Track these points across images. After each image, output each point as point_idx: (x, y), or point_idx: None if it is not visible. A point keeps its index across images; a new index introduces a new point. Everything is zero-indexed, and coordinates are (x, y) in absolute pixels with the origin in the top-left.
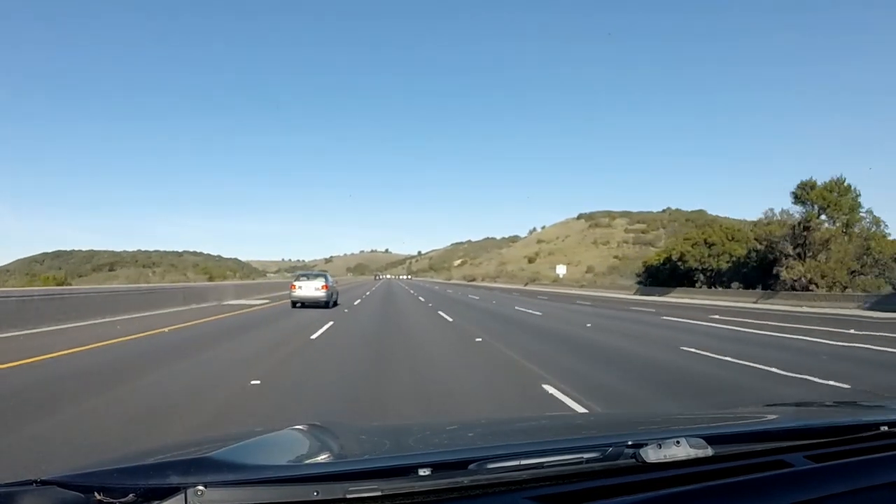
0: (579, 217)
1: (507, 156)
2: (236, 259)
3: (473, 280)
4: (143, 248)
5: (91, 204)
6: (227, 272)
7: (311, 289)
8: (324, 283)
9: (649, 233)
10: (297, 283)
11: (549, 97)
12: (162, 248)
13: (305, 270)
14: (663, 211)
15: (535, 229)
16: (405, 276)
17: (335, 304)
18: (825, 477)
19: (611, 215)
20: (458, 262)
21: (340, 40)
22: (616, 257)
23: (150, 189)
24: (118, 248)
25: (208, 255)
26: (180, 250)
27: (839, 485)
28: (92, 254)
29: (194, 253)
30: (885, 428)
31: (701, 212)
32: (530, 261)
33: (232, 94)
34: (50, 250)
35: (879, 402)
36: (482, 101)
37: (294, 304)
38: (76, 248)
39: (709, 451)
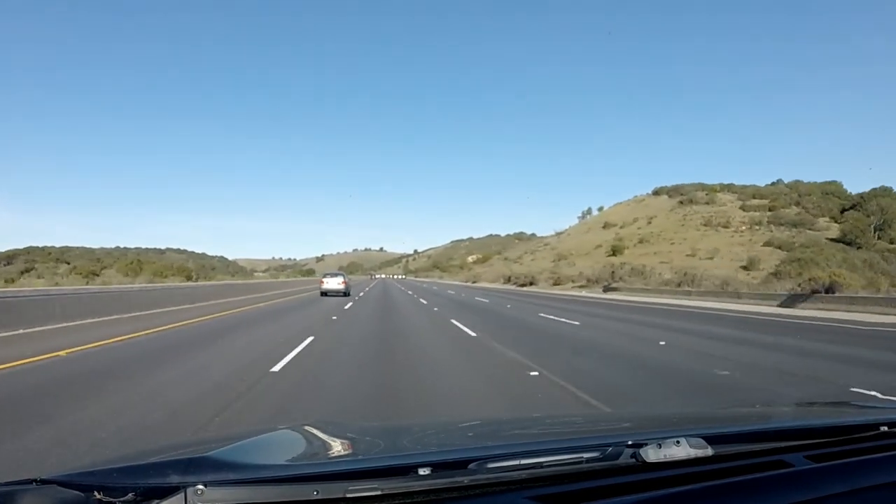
0: (656, 193)
1: (506, 152)
2: (222, 257)
3: (530, 283)
4: (121, 245)
5: (84, 202)
6: (194, 272)
7: (334, 283)
8: (343, 280)
9: (779, 209)
10: (324, 280)
11: (556, 84)
12: (144, 245)
13: (331, 271)
14: (774, 183)
15: (589, 211)
16: (400, 276)
17: (348, 293)
18: (825, 477)
19: (709, 189)
20: (473, 258)
21: (338, 38)
22: (770, 244)
23: (145, 187)
24: (97, 245)
25: (192, 252)
26: (163, 247)
27: (839, 485)
28: (65, 250)
29: (178, 250)
30: (885, 428)
31: (835, 184)
32: (614, 251)
33: (228, 94)
34: (21, 246)
35: (879, 402)
36: (480, 99)
37: (322, 293)
38: (49, 245)
39: (709, 451)
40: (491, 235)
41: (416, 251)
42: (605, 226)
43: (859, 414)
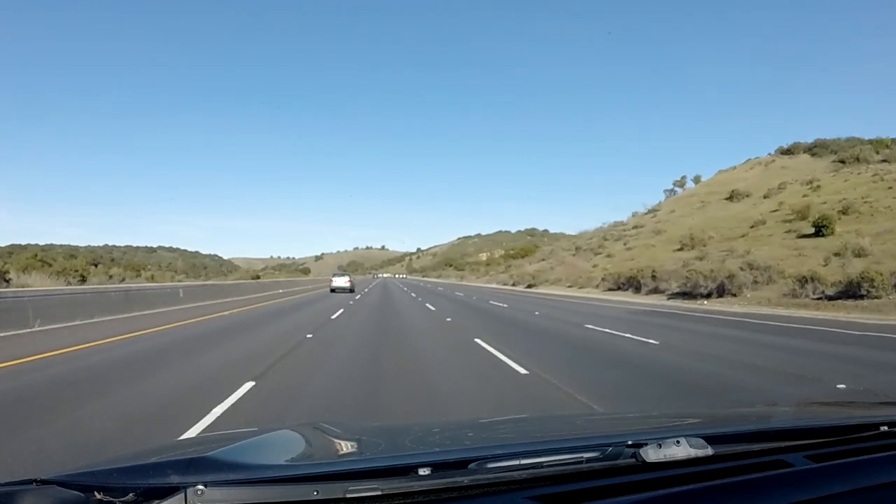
0: (787, 152)
1: (506, 150)
2: (215, 255)
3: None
4: (110, 243)
5: (79, 200)
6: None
7: (341, 281)
8: (349, 279)
9: None
10: (333, 279)
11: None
12: (136, 244)
13: (338, 272)
14: None
15: (683, 181)
16: (402, 275)
17: (353, 290)
18: (825, 477)
19: (877, 143)
20: (500, 252)
21: (338, 37)
22: None
23: (144, 187)
24: (85, 244)
25: (184, 251)
26: (154, 245)
27: (839, 485)
28: (48, 248)
29: (169, 249)
30: (885, 428)
31: None
32: (819, 229)
33: (229, 93)
34: (5, 244)
35: (879, 402)
36: (479, 98)
37: (332, 290)
38: (32, 243)
39: (709, 451)
40: (501, 231)
41: (419, 249)
42: (733, 196)
43: (859, 414)
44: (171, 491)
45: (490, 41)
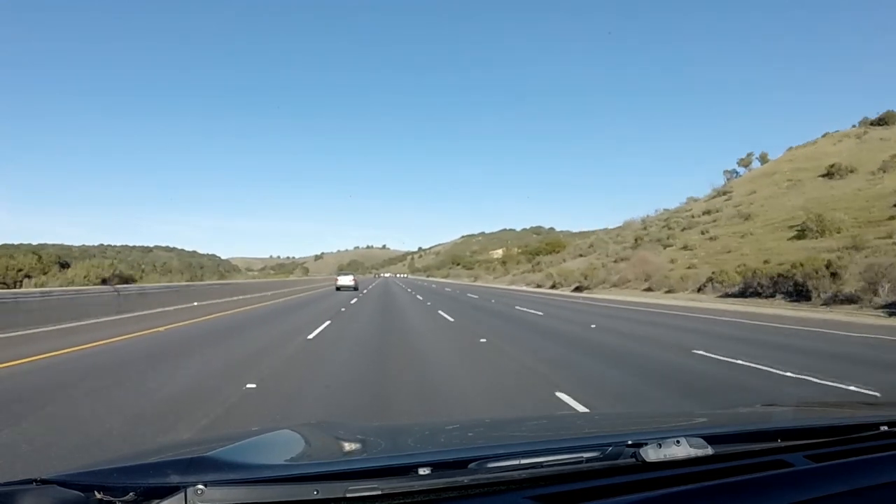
0: (879, 122)
1: (506, 150)
2: (213, 255)
3: None
4: (105, 243)
5: (79, 200)
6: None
7: (346, 280)
8: (353, 278)
9: None
10: (338, 277)
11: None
12: (133, 243)
13: (344, 271)
14: None
15: (748, 160)
16: (403, 275)
17: (357, 288)
18: (825, 477)
19: None
20: (517, 249)
21: (339, 37)
22: None
23: (145, 187)
24: (80, 243)
25: (181, 250)
26: (151, 245)
27: (839, 485)
28: (41, 247)
29: (166, 248)
30: (885, 428)
31: None
32: None
33: (227, 92)
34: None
35: (879, 402)
36: (477, 98)
37: (337, 288)
38: (24, 242)
39: (709, 451)
40: (505, 229)
41: (420, 248)
42: (831, 172)
43: (859, 414)
44: (171, 490)
45: (489, 41)
